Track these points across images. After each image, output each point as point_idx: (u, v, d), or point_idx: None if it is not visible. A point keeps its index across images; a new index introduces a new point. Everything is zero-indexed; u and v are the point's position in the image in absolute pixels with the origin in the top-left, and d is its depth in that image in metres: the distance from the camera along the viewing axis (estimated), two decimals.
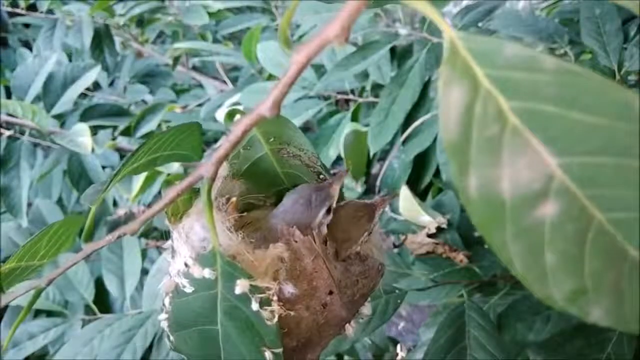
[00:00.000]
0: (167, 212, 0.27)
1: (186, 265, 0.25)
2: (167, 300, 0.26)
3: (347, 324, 0.29)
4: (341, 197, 0.30)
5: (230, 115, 0.28)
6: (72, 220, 0.26)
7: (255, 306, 0.24)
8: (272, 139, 0.29)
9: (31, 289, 0.24)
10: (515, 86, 0.14)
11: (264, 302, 0.24)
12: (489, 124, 0.14)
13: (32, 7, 1.15)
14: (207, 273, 0.24)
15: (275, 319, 0.24)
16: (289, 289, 0.25)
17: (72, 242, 0.26)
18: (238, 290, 0.23)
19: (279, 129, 0.29)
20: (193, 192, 0.26)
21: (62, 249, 0.25)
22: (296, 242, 0.26)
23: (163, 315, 0.26)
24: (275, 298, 0.24)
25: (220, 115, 0.90)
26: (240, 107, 0.83)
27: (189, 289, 0.24)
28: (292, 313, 0.25)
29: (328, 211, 0.28)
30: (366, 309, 0.30)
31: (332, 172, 0.31)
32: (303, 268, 0.26)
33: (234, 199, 0.28)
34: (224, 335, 0.23)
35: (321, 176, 0.30)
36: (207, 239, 0.25)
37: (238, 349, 0.23)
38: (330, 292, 0.26)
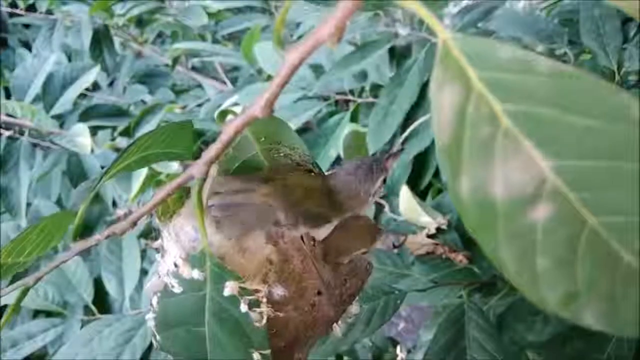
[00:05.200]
0: (157, 211, 0.27)
1: (175, 265, 0.25)
2: (154, 300, 0.26)
3: (335, 324, 0.29)
4: None
5: (223, 115, 0.28)
6: (62, 217, 0.25)
7: (244, 308, 0.24)
8: (263, 139, 0.29)
9: (18, 287, 0.24)
10: (508, 88, 0.14)
11: (253, 304, 0.24)
12: (481, 126, 0.14)
13: (31, 8, 1.15)
14: (196, 274, 0.24)
15: (264, 321, 0.24)
16: (278, 291, 0.25)
17: (61, 239, 0.25)
18: (226, 292, 0.23)
19: (271, 128, 0.29)
20: (184, 192, 0.26)
21: (50, 245, 0.25)
22: (285, 243, 0.26)
23: (150, 315, 0.26)
24: (264, 300, 0.24)
25: None
26: (240, 107, 0.83)
27: (177, 289, 0.24)
28: (280, 314, 0.25)
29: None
30: (354, 308, 0.30)
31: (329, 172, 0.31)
32: (292, 270, 0.26)
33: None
34: (211, 336, 0.23)
35: (312, 174, 0.30)
36: (198, 239, 0.25)
37: (225, 349, 0.23)
38: (319, 293, 0.26)
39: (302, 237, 0.26)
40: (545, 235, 0.14)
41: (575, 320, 0.14)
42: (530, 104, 0.14)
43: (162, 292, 0.25)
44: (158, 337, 0.25)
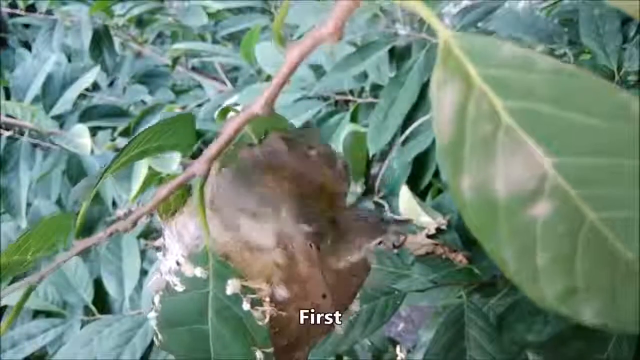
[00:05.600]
0: (158, 209, 0.27)
1: (178, 263, 0.25)
2: (156, 299, 0.26)
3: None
4: None
5: (223, 113, 0.28)
6: (63, 217, 0.25)
7: (246, 306, 0.24)
8: (263, 136, 0.29)
9: (22, 286, 0.24)
10: (509, 86, 0.14)
11: (256, 303, 0.24)
12: (482, 124, 0.14)
13: (31, 8, 1.15)
14: (198, 272, 0.24)
15: (267, 320, 0.24)
16: (282, 292, 0.25)
17: (63, 242, 0.25)
18: (229, 290, 0.23)
19: (271, 125, 0.29)
20: (186, 189, 0.26)
21: (52, 245, 0.25)
22: (293, 247, 0.26)
23: (152, 314, 0.26)
24: (267, 299, 0.24)
25: None
26: (240, 108, 0.83)
27: (179, 288, 0.24)
28: (283, 314, 0.25)
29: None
30: (354, 306, 0.30)
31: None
32: (298, 273, 0.26)
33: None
34: (214, 334, 0.23)
35: None
36: (201, 237, 0.25)
37: (228, 348, 0.23)
38: (323, 295, 0.26)
39: (311, 244, 0.26)
40: (546, 231, 0.14)
41: (573, 315, 0.14)
42: (531, 101, 0.14)
43: (164, 291, 0.25)
44: (160, 337, 0.25)
